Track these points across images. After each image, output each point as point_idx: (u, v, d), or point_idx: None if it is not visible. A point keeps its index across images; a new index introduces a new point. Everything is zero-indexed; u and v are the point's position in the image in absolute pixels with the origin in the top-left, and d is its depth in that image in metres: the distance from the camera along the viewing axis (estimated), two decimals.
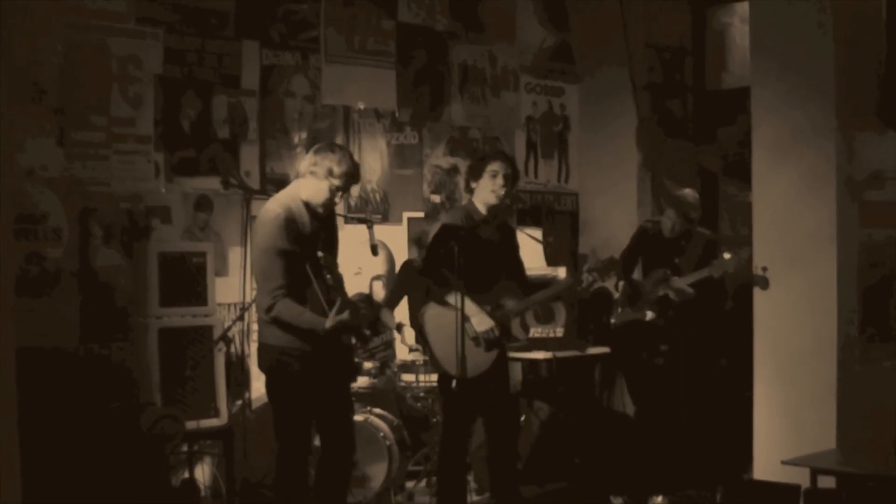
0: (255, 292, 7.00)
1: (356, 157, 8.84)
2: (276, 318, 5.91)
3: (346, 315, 5.85)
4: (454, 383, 6.63)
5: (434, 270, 6.68)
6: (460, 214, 6.82)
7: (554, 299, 7.99)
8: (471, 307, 6.55)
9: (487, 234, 6.79)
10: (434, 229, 6.82)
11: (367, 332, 6.43)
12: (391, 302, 8.37)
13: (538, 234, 9.28)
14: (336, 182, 6.06)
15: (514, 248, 7.07)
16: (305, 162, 6.12)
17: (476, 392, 6.67)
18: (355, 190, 8.97)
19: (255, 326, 7.40)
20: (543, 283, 7.64)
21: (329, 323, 5.86)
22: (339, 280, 6.11)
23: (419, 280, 6.91)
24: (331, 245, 6.29)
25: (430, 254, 6.73)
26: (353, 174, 6.18)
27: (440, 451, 7.03)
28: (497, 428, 6.98)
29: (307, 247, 6.01)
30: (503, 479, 7.05)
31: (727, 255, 7.58)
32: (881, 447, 6.12)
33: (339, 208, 8.31)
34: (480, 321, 6.60)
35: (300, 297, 5.93)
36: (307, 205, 6.10)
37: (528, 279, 7.14)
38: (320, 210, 6.17)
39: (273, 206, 6.04)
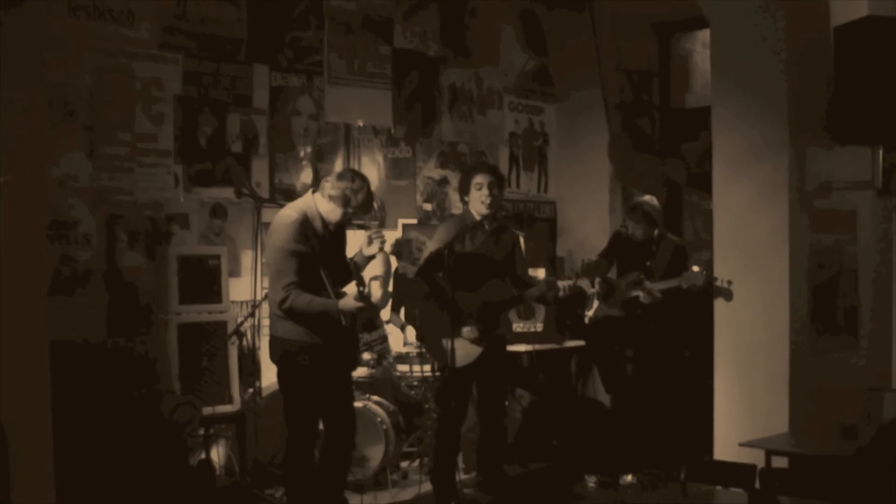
0: (265, 291, 7.04)
1: (356, 169, 8.98)
2: (289, 309, 5.91)
3: (360, 304, 5.88)
4: (444, 371, 6.70)
5: (428, 273, 6.74)
6: (457, 221, 6.88)
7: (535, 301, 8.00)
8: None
9: (480, 240, 6.82)
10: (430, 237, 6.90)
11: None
12: (394, 306, 8.40)
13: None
14: (350, 211, 6.10)
15: (512, 249, 7.07)
16: (327, 185, 6.14)
17: (466, 380, 6.68)
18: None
19: (265, 322, 7.41)
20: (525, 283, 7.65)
21: (343, 304, 5.90)
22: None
23: (411, 285, 6.94)
24: (339, 254, 6.29)
25: (427, 260, 6.82)
26: (367, 206, 6.23)
27: (437, 432, 7.05)
28: (486, 413, 7.00)
29: (319, 250, 6.03)
30: (490, 459, 7.07)
31: (696, 269, 7.56)
32: (829, 431, 6.13)
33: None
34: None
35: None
36: (321, 216, 6.11)
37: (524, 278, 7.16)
38: (332, 227, 6.19)
39: (289, 212, 6.06)
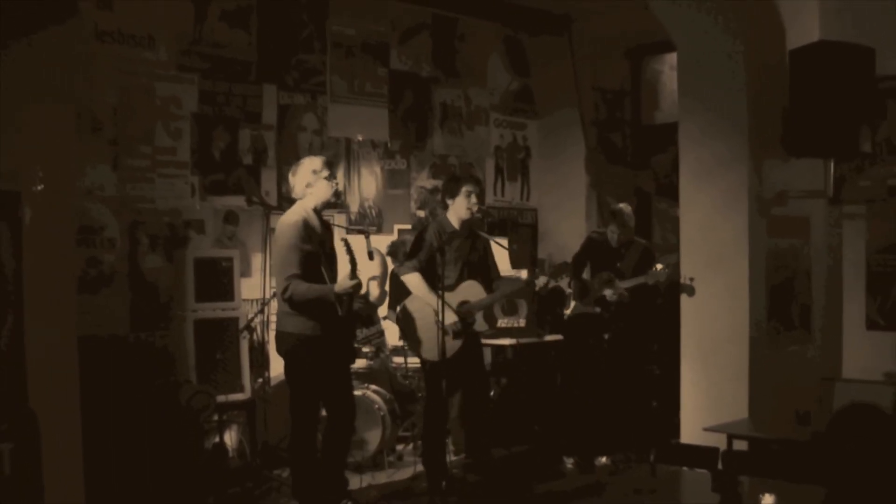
0: (274, 290, 7.04)
1: (356, 181, 9.00)
2: (290, 298, 5.91)
3: (354, 282, 5.91)
4: (426, 365, 6.75)
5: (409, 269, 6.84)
6: (435, 227, 6.91)
7: (508, 298, 7.97)
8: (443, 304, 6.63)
9: (457, 243, 6.85)
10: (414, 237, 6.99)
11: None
12: (391, 303, 8.40)
13: (505, 242, 9.32)
14: (325, 174, 6.17)
15: (485, 254, 7.10)
16: (296, 188, 6.19)
17: (449, 371, 6.69)
18: (355, 205, 9.05)
19: (273, 318, 7.40)
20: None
21: (338, 287, 5.93)
22: None
23: (406, 284, 6.96)
24: (331, 259, 6.30)
25: (411, 252, 6.95)
26: (328, 161, 6.33)
27: (424, 419, 7.06)
28: (472, 400, 7.01)
29: (319, 246, 6.05)
30: (477, 442, 7.07)
31: (659, 267, 7.63)
32: (785, 417, 6.14)
33: (342, 222, 8.41)
34: (448, 316, 6.66)
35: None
36: (316, 212, 6.14)
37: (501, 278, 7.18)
38: (334, 199, 6.31)
39: (292, 215, 6.08)
